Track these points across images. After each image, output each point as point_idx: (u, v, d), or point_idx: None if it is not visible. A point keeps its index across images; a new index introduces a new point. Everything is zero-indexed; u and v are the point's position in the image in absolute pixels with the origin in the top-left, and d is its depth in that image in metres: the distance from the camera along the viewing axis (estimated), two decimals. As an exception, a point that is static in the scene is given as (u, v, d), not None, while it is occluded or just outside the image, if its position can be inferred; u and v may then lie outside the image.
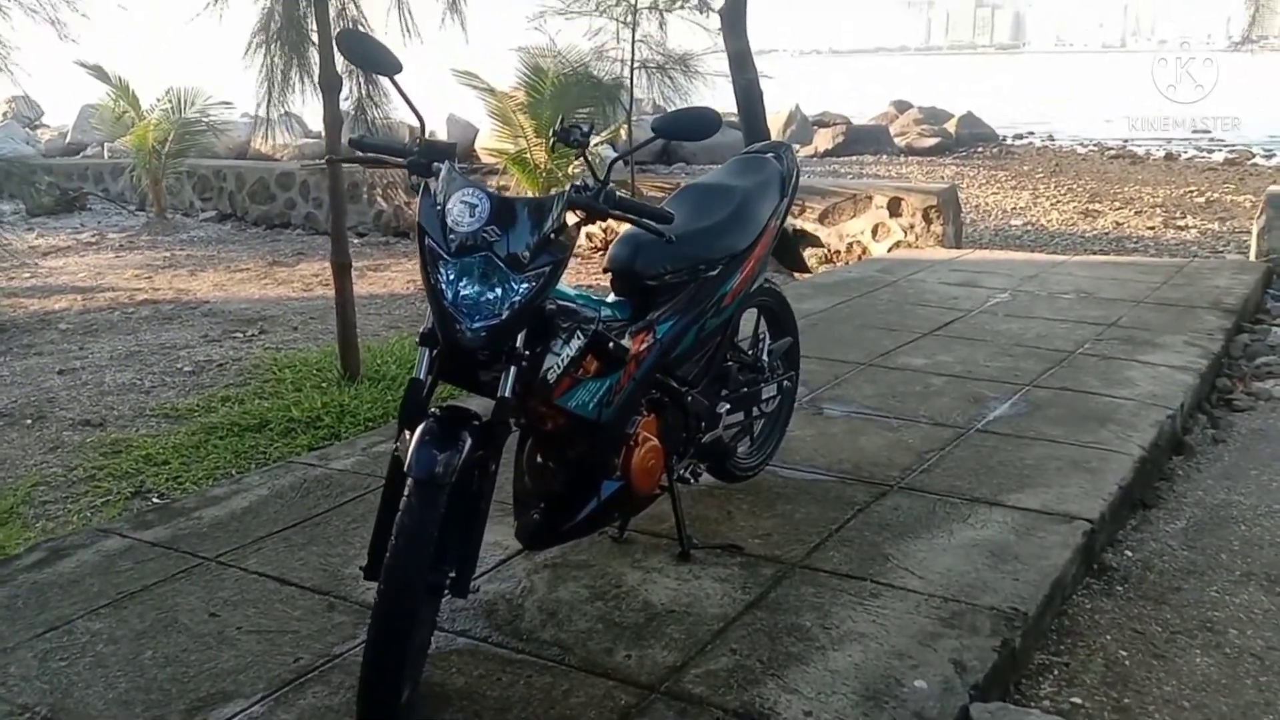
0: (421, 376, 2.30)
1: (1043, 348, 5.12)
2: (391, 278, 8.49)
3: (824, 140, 19.26)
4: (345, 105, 5.05)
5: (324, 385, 5.11)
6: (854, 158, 17.98)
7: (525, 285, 2.22)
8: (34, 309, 7.39)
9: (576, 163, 9.15)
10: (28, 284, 8.30)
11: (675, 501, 3.01)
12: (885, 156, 18.33)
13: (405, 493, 2.10)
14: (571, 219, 2.40)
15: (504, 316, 2.20)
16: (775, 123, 19.98)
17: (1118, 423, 4.05)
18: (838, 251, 8.45)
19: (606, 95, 7.77)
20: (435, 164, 2.30)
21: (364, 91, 5.09)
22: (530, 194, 8.80)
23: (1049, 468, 3.64)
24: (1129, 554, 3.36)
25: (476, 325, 2.19)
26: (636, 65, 7.67)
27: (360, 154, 2.45)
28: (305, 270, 8.82)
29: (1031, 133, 23.65)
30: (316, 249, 9.73)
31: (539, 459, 2.66)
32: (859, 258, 8.24)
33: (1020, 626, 2.67)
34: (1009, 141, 21.70)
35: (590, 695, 2.39)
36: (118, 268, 9.00)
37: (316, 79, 4.86)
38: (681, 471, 3.02)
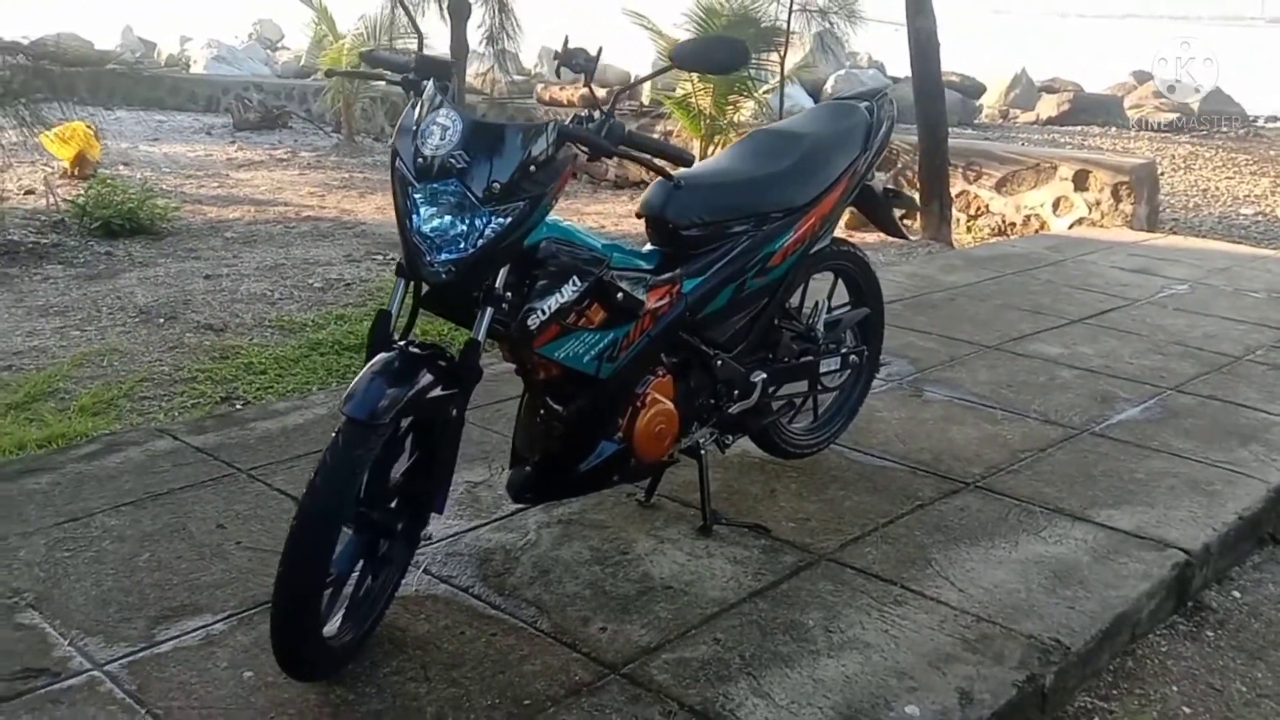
0: (392, 309, 2.17)
1: (1205, 349, 4.51)
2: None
3: (1048, 107, 17.87)
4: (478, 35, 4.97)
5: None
6: (1078, 128, 16.53)
7: (497, 220, 2.03)
8: (211, 217, 7.80)
9: (747, 106, 8.80)
10: (214, 193, 8.77)
11: (702, 471, 2.80)
12: (1114, 129, 16.83)
13: (336, 429, 1.97)
14: (572, 152, 2.20)
15: (470, 252, 2.02)
16: (998, 87, 18.79)
17: (1263, 443, 3.50)
18: (1013, 223, 7.80)
19: (764, 39, 7.39)
20: (424, 82, 2.15)
21: (497, 21, 4.99)
22: (694, 140, 8.54)
23: (1160, 485, 3.18)
24: (1236, 595, 2.90)
25: (442, 259, 2.03)
26: (796, 8, 7.23)
27: (363, 69, 2.33)
28: (468, 200, 8.92)
29: (1289, 114, 21.23)
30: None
31: (536, 410, 2.50)
32: (1036, 232, 7.58)
33: (1057, 662, 2.32)
34: (1260, 123, 19.51)
35: (546, 665, 2.23)
36: (297, 184, 9.39)
37: (445, 5, 4.80)
38: (703, 441, 2.78)
